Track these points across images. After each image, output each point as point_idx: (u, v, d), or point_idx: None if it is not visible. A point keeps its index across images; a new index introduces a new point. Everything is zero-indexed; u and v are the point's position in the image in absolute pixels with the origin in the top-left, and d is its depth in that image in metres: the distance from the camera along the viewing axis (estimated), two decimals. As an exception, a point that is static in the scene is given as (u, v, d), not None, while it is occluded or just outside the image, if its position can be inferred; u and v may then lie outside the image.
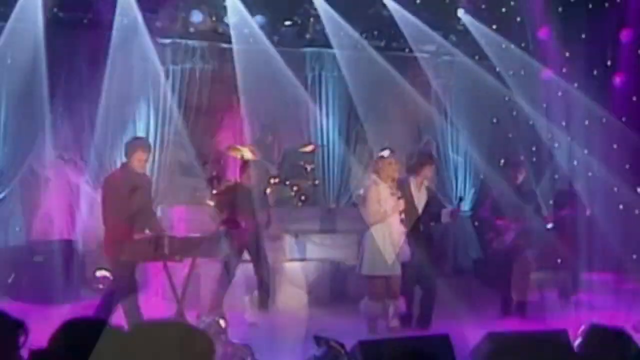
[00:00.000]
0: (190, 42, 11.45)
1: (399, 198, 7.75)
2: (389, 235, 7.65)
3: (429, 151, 10.40)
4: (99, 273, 10.30)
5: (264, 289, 8.98)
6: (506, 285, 9.12)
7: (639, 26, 10.53)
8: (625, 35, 10.83)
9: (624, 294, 9.75)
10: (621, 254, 10.28)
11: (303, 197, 10.64)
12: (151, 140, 11.15)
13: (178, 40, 11.39)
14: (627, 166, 11.34)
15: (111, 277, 6.99)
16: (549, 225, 10.33)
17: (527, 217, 9.34)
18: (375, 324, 7.76)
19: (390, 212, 7.65)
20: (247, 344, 5.98)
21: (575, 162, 12.49)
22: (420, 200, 8.10)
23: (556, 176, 12.42)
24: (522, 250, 9.13)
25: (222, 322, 7.34)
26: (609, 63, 11.25)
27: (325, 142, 12.11)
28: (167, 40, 11.33)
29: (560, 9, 11.18)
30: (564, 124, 12.53)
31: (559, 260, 10.42)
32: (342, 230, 10.23)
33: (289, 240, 9.82)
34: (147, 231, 6.87)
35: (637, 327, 7.65)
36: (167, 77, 11.32)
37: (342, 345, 6.11)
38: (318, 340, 6.20)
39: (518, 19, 11.62)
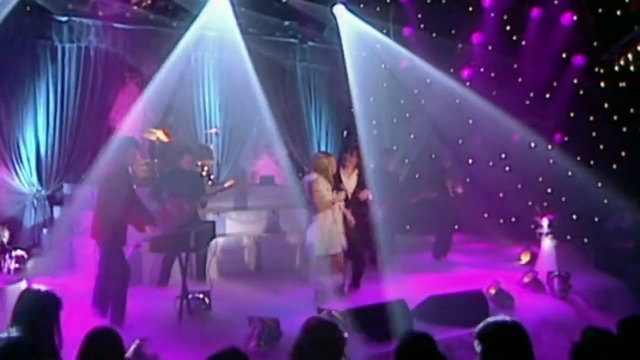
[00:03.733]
0: (85, 20, 11.50)
1: (339, 190, 8.76)
2: (335, 218, 8.64)
3: (352, 142, 11.55)
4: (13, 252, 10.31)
5: (201, 263, 9.73)
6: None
7: (488, 31, 12.61)
8: (476, 37, 12.88)
9: (484, 253, 11.76)
10: (477, 218, 12.36)
11: (212, 176, 11.32)
12: (51, 117, 11.22)
13: (74, 18, 11.39)
14: (460, 141, 13.58)
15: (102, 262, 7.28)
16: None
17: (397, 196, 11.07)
18: (324, 297, 8.44)
19: (335, 200, 8.71)
20: (275, 318, 6.74)
21: (412, 136, 14.57)
22: (350, 186, 9.35)
23: (395, 147, 14.20)
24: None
25: (206, 299, 8.13)
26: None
27: (209, 123, 12.70)
28: (64, 18, 11.32)
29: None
30: (402, 102, 14.52)
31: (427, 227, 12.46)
32: (253, 207, 11.11)
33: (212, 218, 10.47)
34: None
35: (522, 283, 9.71)
36: (63, 54, 11.34)
37: (343, 314, 7.22)
38: (320, 311, 7.24)
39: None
